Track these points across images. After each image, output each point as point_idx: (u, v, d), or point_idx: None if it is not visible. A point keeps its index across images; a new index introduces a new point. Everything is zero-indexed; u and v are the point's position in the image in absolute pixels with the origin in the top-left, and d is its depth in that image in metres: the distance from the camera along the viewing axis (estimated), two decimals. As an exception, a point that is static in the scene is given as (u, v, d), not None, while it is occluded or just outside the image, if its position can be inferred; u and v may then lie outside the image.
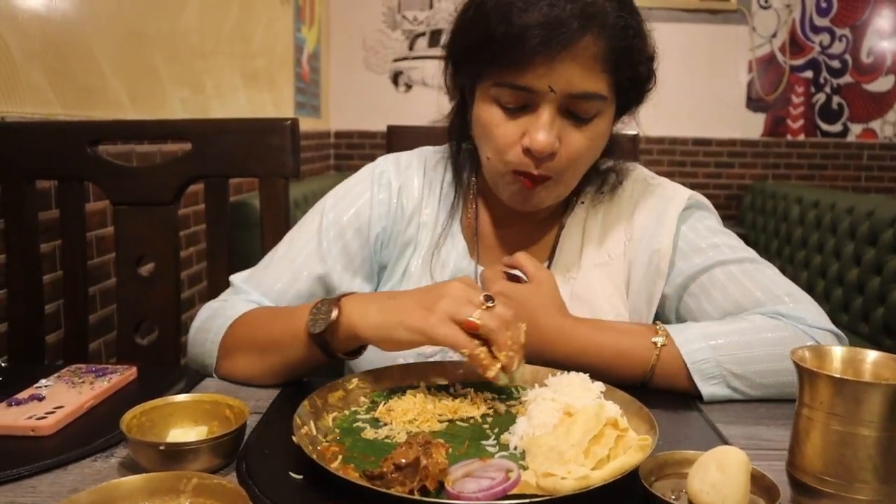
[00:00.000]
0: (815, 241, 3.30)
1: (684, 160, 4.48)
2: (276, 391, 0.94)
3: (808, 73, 4.42)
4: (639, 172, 1.13)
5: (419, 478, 0.63)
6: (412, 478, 0.63)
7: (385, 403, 0.85)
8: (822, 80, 4.43)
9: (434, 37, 4.36)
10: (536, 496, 0.61)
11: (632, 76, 0.96)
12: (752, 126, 4.47)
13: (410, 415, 0.81)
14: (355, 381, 0.88)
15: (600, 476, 0.62)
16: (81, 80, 1.70)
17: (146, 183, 1.37)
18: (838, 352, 0.68)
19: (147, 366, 1.04)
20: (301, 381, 0.98)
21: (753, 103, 4.45)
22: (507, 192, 1.01)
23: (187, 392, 0.88)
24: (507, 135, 0.95)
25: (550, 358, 0.94)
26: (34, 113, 1.53)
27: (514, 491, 0.63)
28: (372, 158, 1.17)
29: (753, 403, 0.93)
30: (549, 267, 1.08)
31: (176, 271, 1.39)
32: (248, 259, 1.16)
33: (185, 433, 0.76)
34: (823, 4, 4.37)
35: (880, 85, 4.43)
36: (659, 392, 0.93)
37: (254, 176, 1.39)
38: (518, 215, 1.08)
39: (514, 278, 1.01)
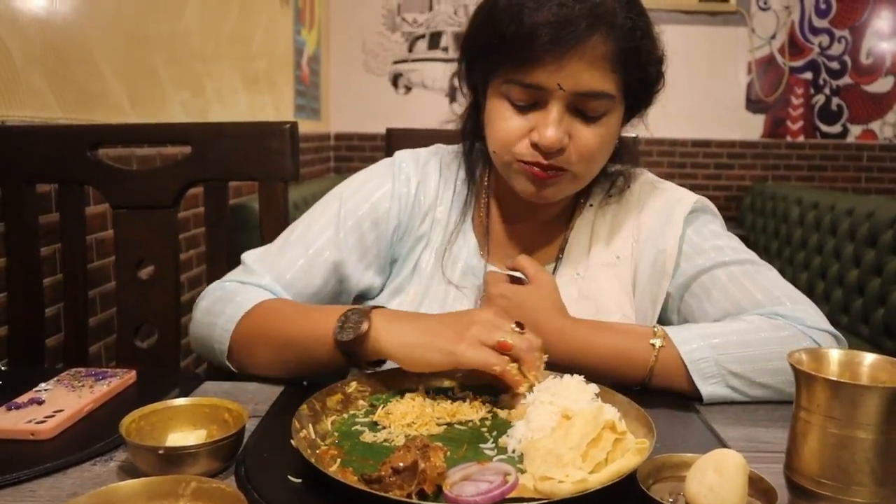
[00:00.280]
0: (815, 243, 3.30)
1: (684, 162, 4.48)
2: (274, 395, 0.94)
3: (808, 75, 4.43)
4: (646, 176, 1.14)
5: (417, 481, 0.63)
6: (410, 481, 0.63)
7: (383, 407, 0.85)
8: (821, 82, 4.43)
9: (434, 39, 4.36)
10: (534, 499, 0.61)
11: (640, 77, 0.98)
12: (751, 127, 4.47)
13: (409, 418, 0.81)
14: (354, 384, 0.88)
15: (598, 479, 0.62)
16: (82, 84, 1.70)
17: (146, 186, 1.38)
18: (835, 354, 0.68)
19: (147, 369, 1.04)
20: (300, 384, 0.98)
21: (753, 105, 4.45)
22: (519, 183, 1.02)
23: (186, 396, 0.89)
24: (516, 129, 0.97)
25: (550, 359, 0.94)
26: (34, 116, 1.53)
27: (512, 494, 0.63)
28: (372, 160, 1.18)
29: (752, 406, 0.93)
30: (557, 266, 1.10)
31: (176, 274, 1.39)
32: (242, 253, 1.15)
33: (183, 437, 0.77)
34: (822, 6, 4.37)
35: (880, 86, 4.43)
36: (657, 394, 0.93)
37: (253, 179, 1.40)
38: (528, 215, 1.10)
39: (516, 280, 1.02)
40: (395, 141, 1.78)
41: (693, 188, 1.13)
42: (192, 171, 1.38)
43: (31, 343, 1.40)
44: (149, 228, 1.38)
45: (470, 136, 1.12)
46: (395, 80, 4.39)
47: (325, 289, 1.09)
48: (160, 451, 0.69)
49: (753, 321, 0.97)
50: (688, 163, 4.48)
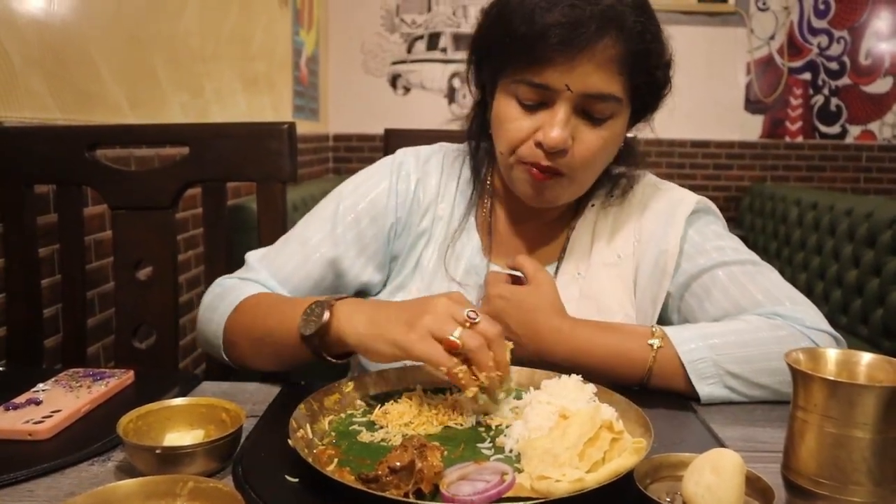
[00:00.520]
0: (814, 243, 3.30)
1: (683, 162, 4.48)
2: (272, 395, 0.94)
3: (807, 75, 4.43)
4: (648, 178, 1.15)
5: (414, 481, 0.63)
6: (407, 481, 0.63)
7: (381, 407, 0.85)
8: (820, 82, 4.43)
9: (432, 40, 4.36)
10: (531, 499, 0.61)
11: (648, 80, 0.98)
12: (750, 128, 4.48)
13: (406, 418, 0.81)
14: (351, 384, 0.89)
15: (595, 479, 0.62)
16: (80, 85, 1.70)
17: (144, 187, 1.38)
18: (832, 354, 0.69)
19: (145, 369, 1.04)
20: (298, 384, 0.98)
21: (752, 105, 4.45)
22: (520, 186, 1.02)
23: (184, 396, 0.89)
24: (522, 128, 0.98)
25: (549, 359, 0.95)
26: (33, 118, 1.53)
27: (509, 494, 0.63)
28: (370, 161, 1.18)
29: (749, 405, 0.93)
30: (559, 266, 1.10)
31: (174, 275, 1.39)
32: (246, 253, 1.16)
33: (181, 437, 0.77)
34: (821, 6, 4.37)
35: (878, 86, 4.43)
36: (655, 394, 0.94)
37: (251, 180, 1.40)
38: (531, 215, 1.10)
39: (516, 280, 1.02)
40: (393, 141, 1.78)
41: (692, 189, 1.13)
42: (190, 172, 1.38)
43: (30, 344, 1.40)
44: (147, 229, 1.38)
45: (476, 135, 1.13)
46: (394, 80, 4.39)
47: (321, 284, 1.09)
48: (157, 451, 0.69)
49: (752, 321, 0.97)
50: (686, 163, 4.49)
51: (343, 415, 0.84)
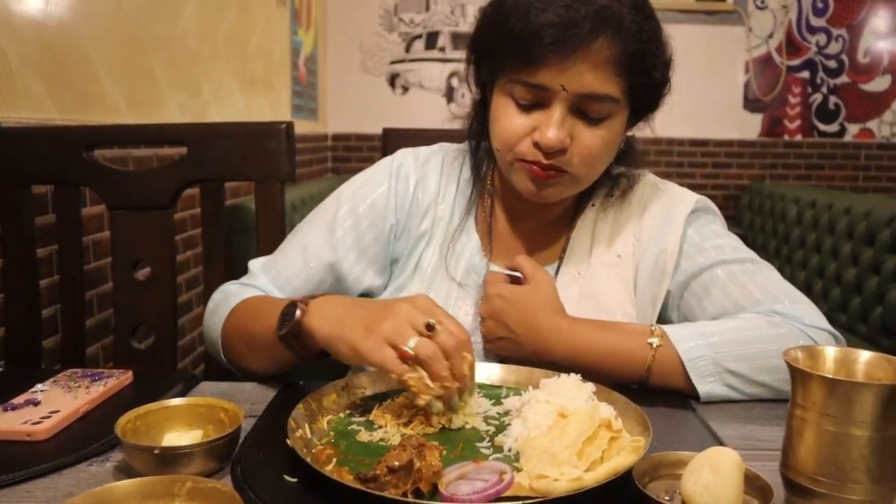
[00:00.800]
0: (813, 241, 3.31)
1: (682, 161, 4.48)
2: (271, 395, 0.94)
3: (805, 74, 4.43)
4: (648, 178, 1.15)
5: (413, 480, 0.63)
6: (406, 480, 0.63)
7: (380, 406, 0.85)
8: (818, 81, 4.43)
9: (430, 39, 4.36)
10: (529, 498, 0.61)
11: (645, 81, 0.97)
12: (749, 126, 4.48)
13: (405, 417, 0.81)
14: (350, 384, 0.88)
15: (593, 477, 0.62)
16: (78, 85, 1.70)
17: (142, 187, 1.37)
18: (831, 352, 0.69)
19: (144, 370, 1.04)
20: (296, 383, 0.98)
21: (750, 104, 4.45)
22: (519, 182, 1.02)
23: (183, 396, 0.88)
24: (518, 128, 0.97)
25: (548, 358, 0.95)
26: (30, 118, 1.53)
27: (508, 493, 0.63)
28: (370, 161, 1.18)
29: (748, 404, 0.93)
30: (559, 266, 1.10)
31: (172, 275, 1.39)
32: (245, 262, 1.16)
33: (179, 437, 0.77)
34: (820, 5, 4.37)
35: (877, 85, 4.43)
36: (654, 392, 0.94)
37: (249, 180, 1.40)
38: (531, 214, 1.10)
39: (515, 280, 1.02)
40: (391, 141, 1.78)
41: (691, 187, 1.13)
42: (188, 172, 1.38)
43: (28, 344, 1.39)
44: (145, 229, 1.38)
45: (476, 134, 1.12)
46: (393, 80, 4.39)
47: (321, 289, 1.09)
48: (156, 451, 0.69)
49: (751, 319, 0.97)
50: (685, 162, 4.49)
51: (342, 414, 0.84)
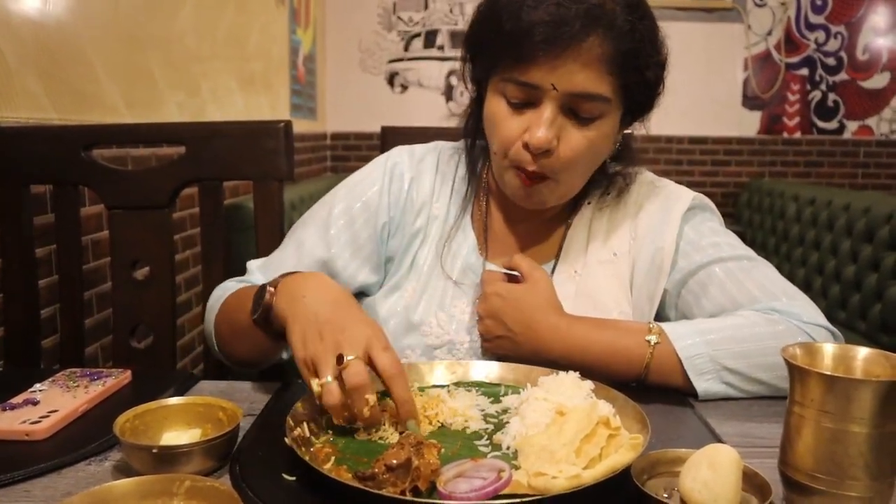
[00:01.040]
0: (812, 239, 3.31)
1: (680, 159, 4.48)
2: (269, 394, 0.94)
3: (804, 71, 4.43)
4: (644, 176, 1.14)
5: (411, 478, 0.63)
6: (404, 478, 0.63)
7: (378, 405, 0.85)
8: (817, 78, 4.43)
9: (429, 37, 4.36)
10: (527, 496, 0.61)
11: (639, 80, 0.96)
12: (748, 124, 4.48)
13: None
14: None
15: (592, 475, 0.62)
16: (76, 85, 1.70)
17: (141, 187, 1.37)
18: (829, 349, 0.69)
19: (143, 369, 1.04)
20: (295, 382, 0.98)
21: (749, 101, 4.45)
22: (509, 188, 1.02)
23: (181, 395, 0.88)
24: (511, 128, 0.97)
25: (546, 357, 0.95)
26: (29, 118, 1.53)
27: (506, 491, 0.63)
28: (368, 160, 1.18)
29: (746, 401, 0.93)
30: (555, 264, 1.10)
31: (171, 275, 1.39)
32: (244, 262, 1.17)
33: (178, 436, 0.77)
34: (818, 2, 4.37)
35: (876, 82, 4.43)
36: (652, 390, 0.94)
37: (248, 179, 1.40)
38: (527, 213, 1.10)
39: (513, 279, 1.02)
40: (390, 139, 1.78)
41: (690, 185, 1.13)
42: (187, 171, 1.37)
43: (28, 344, 1.39)
44: (144, 229, 1.37)
45: (472, 132, 1.12)
46: (392, 78, 4.39)
47: None
48: (154, 451, 0.69)
49: (749, 317, 0.97)
50: (684, 160, 4.49)
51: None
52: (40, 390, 0.90)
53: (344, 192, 1.13)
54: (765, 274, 1.03)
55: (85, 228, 1.62)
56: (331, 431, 0.79)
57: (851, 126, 4.47)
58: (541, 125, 0.93)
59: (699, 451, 0.63)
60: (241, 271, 1.16)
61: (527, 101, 0.96)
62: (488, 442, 0.77)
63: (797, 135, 4.48)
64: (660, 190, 1.12)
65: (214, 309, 1.08)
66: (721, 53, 4.39)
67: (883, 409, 0.60)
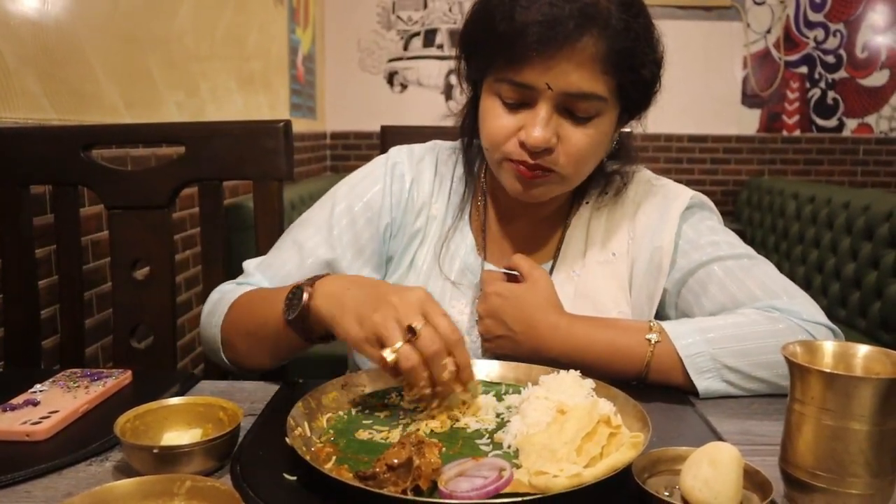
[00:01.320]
0: (812, 237, 3.31)
1: (680, 157, 4.48)
2: (270, 393, 0.94)
3: (803, 69, 4.43)
4: (642, 174, 1.14)
5: (412, 477, 0.63)
6: (405, 477, 0.63)
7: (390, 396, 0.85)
8: (816, 76, 4.43)
9: (428, 37, 4.36)
10: (528, 494, 0.61)
11: (634, 79, 0.96)
12: (747, 122, 4.48)
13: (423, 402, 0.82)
14: (349, 381, 0.88)
15: (592, 474, 0.62)
16: (75, 85, 1.70)
17: (140, 187, 1.37)
18: (829, 346, 0.69)
19: (143, 369, 1.04)
20: (295, 382, 0.98)
21: (748, 99, 4.45)
22: (507, 181, 1.02)
23: (182, 395, 0.88)
24: (505, 127, 0.97)
25: (546, 356, 0.95)
26: (28, 118, 1.53)
27: (507, 489, 0.63)
28: (368, 159, 1.18)
29: (747, 399, 0.93)
30: (554, 265, 1.09)
31: (171, 275, 1.39)
32: (243, 261, 1.16)
33: (179, 436, 0.76)
34: (817, 0, 4.37)
35: (875, 80, 4.43)
36: (653, 388, 0.94)
37: (248, 178, 1.39)
38: (525, 213, 1.10)
39: (513, 279, 1.02)
40: (390, 138, 1.78)
41: (689, 183, 1.13)
42: (186, 171, 1.37)
43: (28, 345, 1.39)
44: (144, 229, 1.37)
45: (468, 132, 1.12)
46: (391, 77, 4.39)
47: None
48: (155, 451, 0.69)
49: (749, 315, 0.97)
50: (684, 158, 4.49)
51: (341, 412, 0.84)
52: (41, 391, 0.90)
53: (344, 191, 1.13)
54: (765, 272, 1.03)
55: (85, 228, 1.61)
56: (331, 431, 0.79)
57: (851, 124, 4.47)
58: (536, 124, 0.93)
59: (700, 449, 0.63)
60: (242, 271, 1.16)
61: (522, 102, 0.95)
62: (489, 441, 0.77)
63: (797, 133, 4.49)
64: (658, 189, 1.11)
65: (216, 313, 1.06)
66: (720, 51, 4.39)
67: (883, 406, 0.60)
